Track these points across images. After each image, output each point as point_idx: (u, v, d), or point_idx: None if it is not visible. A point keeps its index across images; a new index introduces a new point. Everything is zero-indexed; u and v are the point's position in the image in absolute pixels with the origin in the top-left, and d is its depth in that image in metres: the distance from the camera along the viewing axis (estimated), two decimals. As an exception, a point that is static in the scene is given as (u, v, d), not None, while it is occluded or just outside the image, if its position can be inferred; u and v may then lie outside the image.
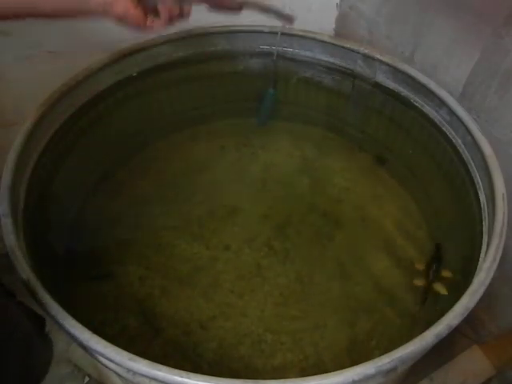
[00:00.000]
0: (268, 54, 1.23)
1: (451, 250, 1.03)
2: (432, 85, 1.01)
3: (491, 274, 0.69)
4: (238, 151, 1.34)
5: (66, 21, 0.77)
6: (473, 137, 0.91)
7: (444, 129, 1.02)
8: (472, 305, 0.66)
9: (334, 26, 1.42)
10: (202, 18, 1.18)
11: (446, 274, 0.99)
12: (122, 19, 0.57)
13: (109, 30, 1.09)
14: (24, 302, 0.82)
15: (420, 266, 1.04)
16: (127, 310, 1.00)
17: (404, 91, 1.10)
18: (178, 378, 0.56)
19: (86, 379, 1.13)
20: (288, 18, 0.91)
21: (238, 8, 0.80)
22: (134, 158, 1.29)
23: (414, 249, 1.12)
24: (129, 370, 0.59)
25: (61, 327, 0.62)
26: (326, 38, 1.17)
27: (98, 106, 1.09)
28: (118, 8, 0.55)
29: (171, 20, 0.65)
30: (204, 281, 1.05)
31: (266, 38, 1.21)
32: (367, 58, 1.13)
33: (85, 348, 0.62)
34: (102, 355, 0.60)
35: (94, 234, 1.13)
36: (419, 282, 1.01)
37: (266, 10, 0.88)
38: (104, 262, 1.07)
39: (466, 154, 0.95)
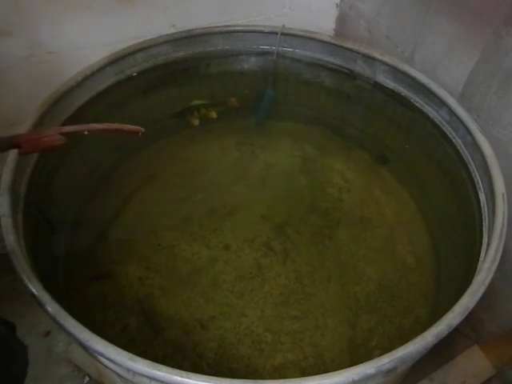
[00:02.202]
0: (268, 54, 1.23)
1: (451, 250, 1.03)
2: (432, 85, 1.01)
3: (491, 274, 0.69)
4: (238, 151, 1.34)
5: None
6: (473, 137, 0.91)
7: (444, 129, 1.02)
8: (472, 305, 0.66)
9: (334, 26, 1.42)
10: (202, 17, 1.19)
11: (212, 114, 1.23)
12: None
13: (109, 30, 1.10)
14: None
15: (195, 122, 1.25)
16: (127, 310, 1.00)
17: (404, 91, 1.10)
18: (177, 378, 0.56)
19: (86, 379, 1.13)
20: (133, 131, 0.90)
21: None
22: (133, 158, 1.29)
23: (413, 249, 1.13)
24: (129, 370, 0.59)
25: (61, 327, 0.62)
26: (325, 38, 1.17)
27: (98, 106, 1.09)
28: None
29: None
30: (204, 281, 1.05)
31: (266, 38, 1.21)
32: (367, 58, 1.13)
33: (85, 348, 0.62)
34: (102, 355, 0.60)
35: (94, 234, 1.13)
36: (195, 122, 1.24)
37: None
38: (104, 262, 1.07)
39: (466, 154, 0.95)
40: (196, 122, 1.24)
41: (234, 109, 1.32)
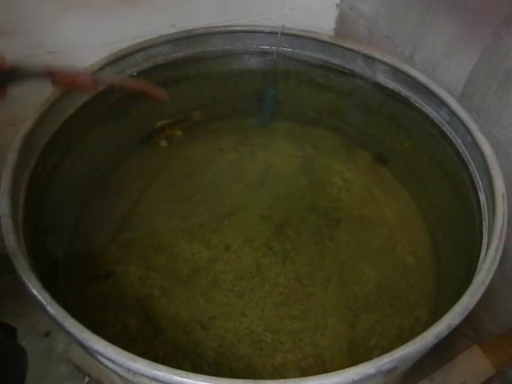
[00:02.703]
0: (268, 54, 1.23)
1: (451, 250, 1.03)
2: (432, 85, 1.01)
3: (491, 274, 0.69)
4: (238, 151, 1.34)
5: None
6: (473, 137, 0.91)
7: (444, 129, 1.02)
8: (472, 305, 0.66)
9: (334, 26, 1.42)
10: (202, 17, 1.19)
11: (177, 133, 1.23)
12: None
13: (109, 30, 1.10)
14: None
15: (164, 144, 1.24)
16: (127, 310, 1.00)
17: (404, 91, 1.10)
18: (177, 378, 0.56)
19: (86, 379, 1.13)
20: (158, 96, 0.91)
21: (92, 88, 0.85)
22: (134, 158, 1.29)
23: (413, 249, 1.13)
24: (129, 370, 0.59)
25: (61, 327, 0.62)
26: (325, 38, 1.17)
27: (97, 106, 1.09)
28: None
29: None
30: (204, 281, 1.05)
31: (266, 38, 1.21)
32: (367, 58, 1.13)
33: (85, 348, 0.62)
34: (102, 355, 0.60)
35: (94, 234, 1.13)
36: (163, 144, 1.23)
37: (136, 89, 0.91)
38: (104, 262, 1.07)
39: (466, 154, 0.95)
40: (164, 143, 1.22)
41: (199, 123, 1.33)
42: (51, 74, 0.74)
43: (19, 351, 0.80)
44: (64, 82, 0.78)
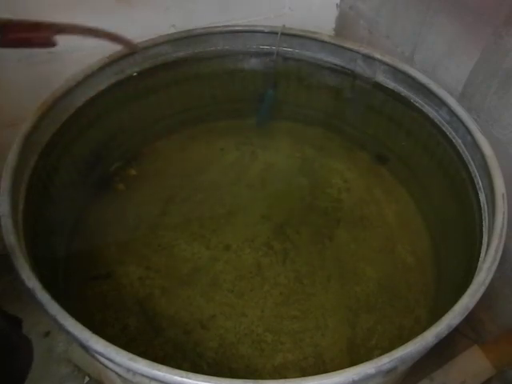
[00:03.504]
0: (268, 54, 1.23)
1: (451, 250, 1.03)
2: (432, 85, 1.01)
3: (491, 274, 0.69)
4: (238, 151, 1.34)
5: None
6: (473, 137, 0.91)
7: (444, 129, 1.02)
8: (472, 305, 0.66)
9: (334, 25, 1.42)
10: (202, 17, 1.19)
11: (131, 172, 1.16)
12: None
13: (109, 30, 1.10)
14: None
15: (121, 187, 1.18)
16: (127, 310, 1.00)
17: (404, 91, 1.10)
18: (177, 378, 0.56)
19: (86, 379, 1.13)
20: (126, 42, 0.83)
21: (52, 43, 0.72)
22: (134, 158, 1.29)
23: (413, 249, 1.13)
24: (129, 370, 0.59)
25: (61, 327, 0.62)
26: (325, 38, 1.17)
27: (97, 106, 1.09)
28: None
29: None
30: (204, 280, 1.05)
31: (266, 38, 1.21)
32: (367, 58, 1.13)
33: (85, 348, 0.62)
34: (102, 355, 0.60)
35: (94, 234, 1.13)
36: (121, 187, 1.17)
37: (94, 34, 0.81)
38: (104, 262, 1.07)
39: (466, 154, 0.95)
40: (121, 186, 1.16)
41: (144, 156, 1.28)
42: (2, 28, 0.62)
43: (24, 341, 0.80)
44: (13, 39, 0.65)
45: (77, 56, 1.08)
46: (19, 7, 0.97)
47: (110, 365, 0.63)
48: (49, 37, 0.69)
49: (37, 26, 0.67)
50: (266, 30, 1.19)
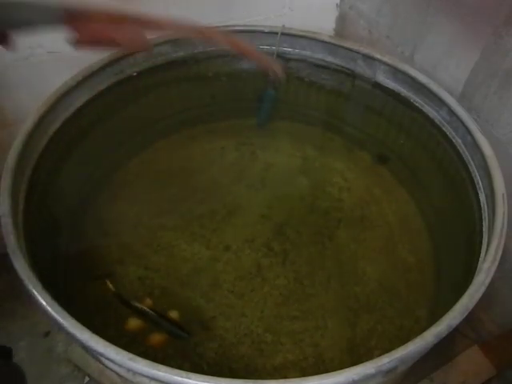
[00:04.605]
0: (268, 54, 1.23)
1: (451, 250, 1.03)
2: (432, 85, 1.01)
3: (491, 274, 0.69)
4: (238, 151, 1.34)
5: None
6: (473, 137, 0.91)
7: (444, 129, 1.02)
8: (472, 305, 0.66)
9: (334, 25, 1.42)
10: (202, 17, 1.19)
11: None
12: None
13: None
14: None
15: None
16: (127, 310, 1.00)
17: (404, 91, 1.10)
18: (177, 378, 0.56)
19: (86, 379, 1.13)
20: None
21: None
22: (133, 157, 1.29)
23: (413, 249, 1.12)
24: (129, 370, 0.59)
25: (61, 327, 0.62)
26: (325, 38, 1.17)
27: (97, 106, 1.09)
28: None
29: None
30: (204, 281, 1.05)
31: (266, 38, 1.21)
32: (367, 58, 1.13)
33: (85, 348, 0.62)
34: (102, 355, 0.60)
35: (94, 234, 1.13)
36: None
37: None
38: (104, 262, 1.07)
39: (466, 154, 0.95)
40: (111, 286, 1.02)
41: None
42: (71, 24, 0.45)
43: (16, 373, 0.79)
44: (90, 37, 0.48)
45: (77, 56, 1.08)
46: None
47: (110, 365, 0.63)
48: (140, 37, 0.51)
49: (121, 20, 0.50)
50: (266, 30, 1.19)
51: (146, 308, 0.96)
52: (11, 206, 0.77)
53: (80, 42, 0.49)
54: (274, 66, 0.69)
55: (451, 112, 0.97)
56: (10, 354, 0.78)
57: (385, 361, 0.58)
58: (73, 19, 0.44)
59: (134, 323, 0.96)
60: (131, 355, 0.58)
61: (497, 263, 0.71)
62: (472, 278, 0.71)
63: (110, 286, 1.00)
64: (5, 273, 1.14)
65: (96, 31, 0.47)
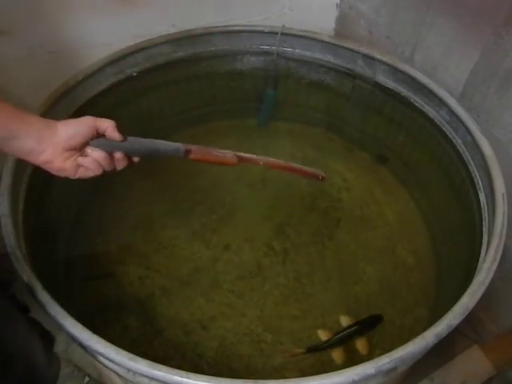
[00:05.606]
0: (268, 54, 1.23)
1: (451, 250, 1.03)
2: (432, 85, 1.01)
3: (491, 274, 0.69)
4: (238, 151, 1.34)
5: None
6: (473, 137, 0.91)
7: (444, 129, 1.02)
8: (472, 305, 0.66)
9: (334, 25, 1.41)
10: (202, 17, 1.19)
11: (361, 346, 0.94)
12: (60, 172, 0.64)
13: (109, 30, 1.10)
14: (35, 319, 0.82)
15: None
16: (127, 310, 1.00)
17: (404, 91, 1.10)
18: (177, 378, 0.56)
19: (86, 379, 1.12)
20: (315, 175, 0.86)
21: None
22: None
23: (413, 249, 1.13)
24: (129, 370, 0.60)
25: (61, 327, 0.62)
26: (325, 38, 1.17)
27: (97, 106, 1.09)
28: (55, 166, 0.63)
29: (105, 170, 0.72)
30: (204, 281, 1.05)
31: (266, 38, 1.21)
32: (367, 58, 1.13)
33: (85, 348, 0.62)
34: (102, 355, 0.60)
35: (94, 234, 1.13)
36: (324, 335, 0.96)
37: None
38: (104, 262, 1.07)
39: (466, 154, 0.95)
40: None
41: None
42: (188, 151, 0.71)
43: (52, 359, 0.81)
44: (200, 155, 0.75)
45: (77, 56, 1.08)
46: (18, 4, 0.96)
47: (111, 365, 0.63)
48: (232, 158, 0.81)
49: (220, 159, 0.78)
50: (266, 30, 1.19)
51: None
52: (11, 206, 0.77)
53: (192, 158, 0.72)
54: (316, 173, 0.87)
55: (451, 112, 0.98)
56: (53, 341, 0.80)
57: (385, 361, 0.58)
58: (188, 148, 0.71)
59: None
60: (131, 355, 0.58)
61: (497, 263, 0.71)
62: (472, 277, 0.71)
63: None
64: (5, 273, 1.14)
65: (206, 154, 0.75)
